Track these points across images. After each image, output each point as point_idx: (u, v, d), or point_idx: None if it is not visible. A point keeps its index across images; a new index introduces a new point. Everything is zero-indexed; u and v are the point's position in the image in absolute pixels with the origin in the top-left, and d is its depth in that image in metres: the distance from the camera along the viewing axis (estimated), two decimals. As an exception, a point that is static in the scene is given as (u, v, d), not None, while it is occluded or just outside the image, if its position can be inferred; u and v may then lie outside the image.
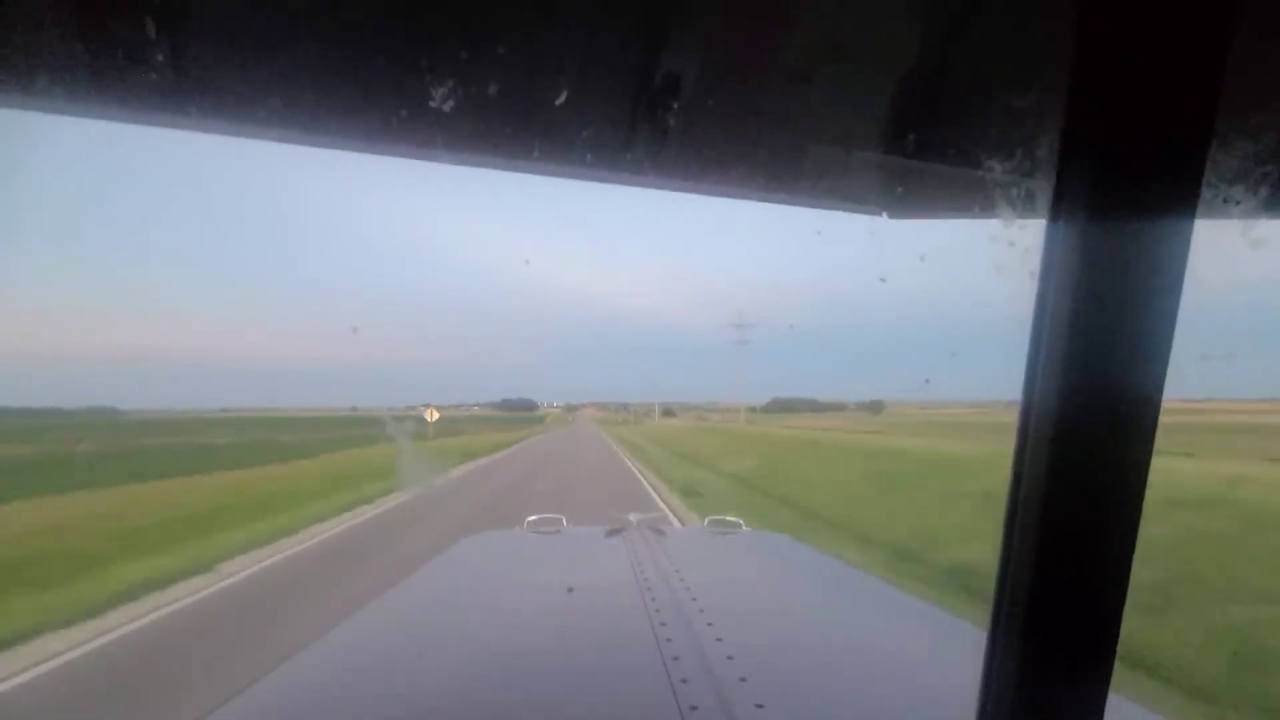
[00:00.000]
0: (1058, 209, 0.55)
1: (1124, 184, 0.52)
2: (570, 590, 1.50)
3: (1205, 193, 0.52)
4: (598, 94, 0.75)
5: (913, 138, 0.79)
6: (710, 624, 1.23)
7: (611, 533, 2.16)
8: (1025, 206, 0.71)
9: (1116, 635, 0.57)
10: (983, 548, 7.00)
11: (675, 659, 1.07)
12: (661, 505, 12.37)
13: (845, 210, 0.94)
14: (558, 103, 0.72)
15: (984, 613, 0.63)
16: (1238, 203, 0.70)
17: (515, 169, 0.82)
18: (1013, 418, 0.58)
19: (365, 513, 12.17)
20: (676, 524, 8.69)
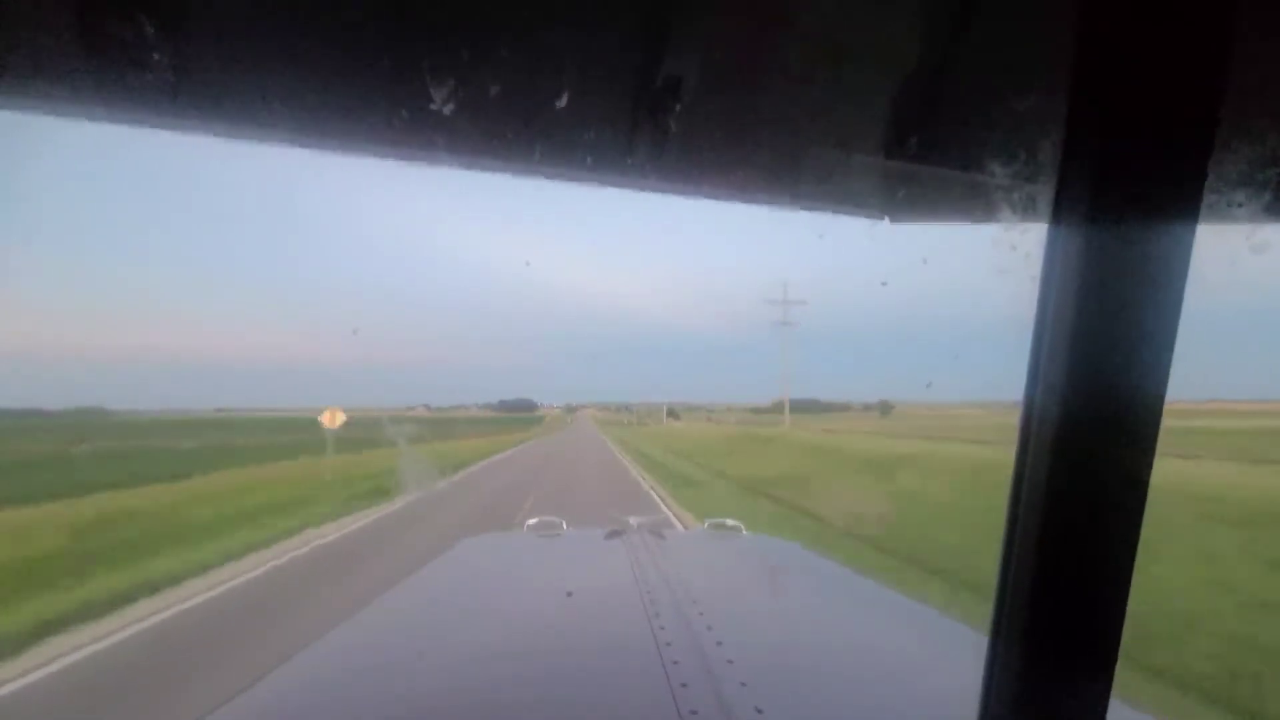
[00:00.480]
0: (1059, 213, 0.55)
1: (1126, 188, 0.52)
2: (570, 593, 1.50)
3: (1207, 197, 0.52)
4: (599, 96, 0.75)
5: (914, 141, 0.79)
6: (710, 627, 1.22)
7: (611, 535, 2.15)
8: (1027, 210, 0.70)
9: (1118, 639, 0.57)
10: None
11: (675, 663, 1.06)
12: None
13: (847, 214, 0.94)
14: (559, 105, 0.72)
15: (986, 617, 0.63)
16: (1240, 206, 0.69)
17: (516, 171, 0.82)
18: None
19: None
20: (679, 527, 8.63)
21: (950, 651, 1.28)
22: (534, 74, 0.70)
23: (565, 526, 2.45)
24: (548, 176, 0.83)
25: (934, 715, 0.97)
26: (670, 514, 12.60)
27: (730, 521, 2.55)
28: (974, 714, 0.61)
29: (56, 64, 0.62)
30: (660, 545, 1.99)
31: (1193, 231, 0.52)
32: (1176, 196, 0.52)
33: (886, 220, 0.94)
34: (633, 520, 2.32)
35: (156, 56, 0.62)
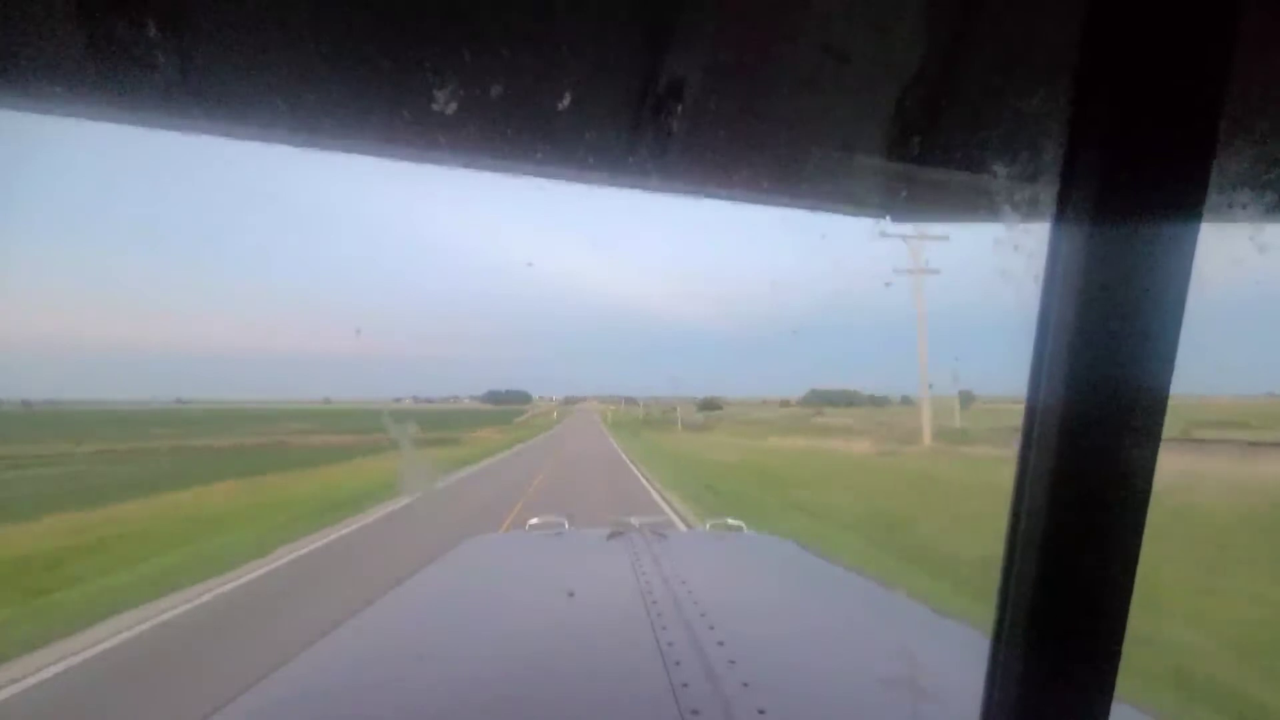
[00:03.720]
0: (1063, 213, 0.55)
1: (1130, 188, 0.52)
2: (571, 593, 1.50)
3: (1212, 197, 0.52)
4: (601, 97, 0.75)
5: (918, 141, 0.79)
6: (712, 627, 1.22)
7: (613, 535, 2.15)
8: (1030, 210, 0.70)
9: (1121, 640, 0.57)
10: None
11: (677, 663, 1.06)
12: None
13: (849, 214, 0.93)
14: (561, 106, 0.72)
15: (988, 617, 0.63)
16: (1244, 206, 0.69)
17: (518, 172, 0.82)
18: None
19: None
20: (681, 526, 8.58)
21: (952, 652, 1.27)
22: (536, 74, 0.70)
23: (567, 526, 2.45)
24: (550, 176, 0.83)
25: (936, 716, 0.97)
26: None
27: (732, 520, 2.55)
28: (975, 715, 0.61)
29: (56, 62, 0.62)
30: (662, 545, 1.99)
31: (1197, 232, 0.52)
32: (1181, 196, 0.52)
33: (888, 219, 0.94)
34: (634, 520, 2.32)
35: (157, 54, 0.62)
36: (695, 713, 0.90)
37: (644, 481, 18.81)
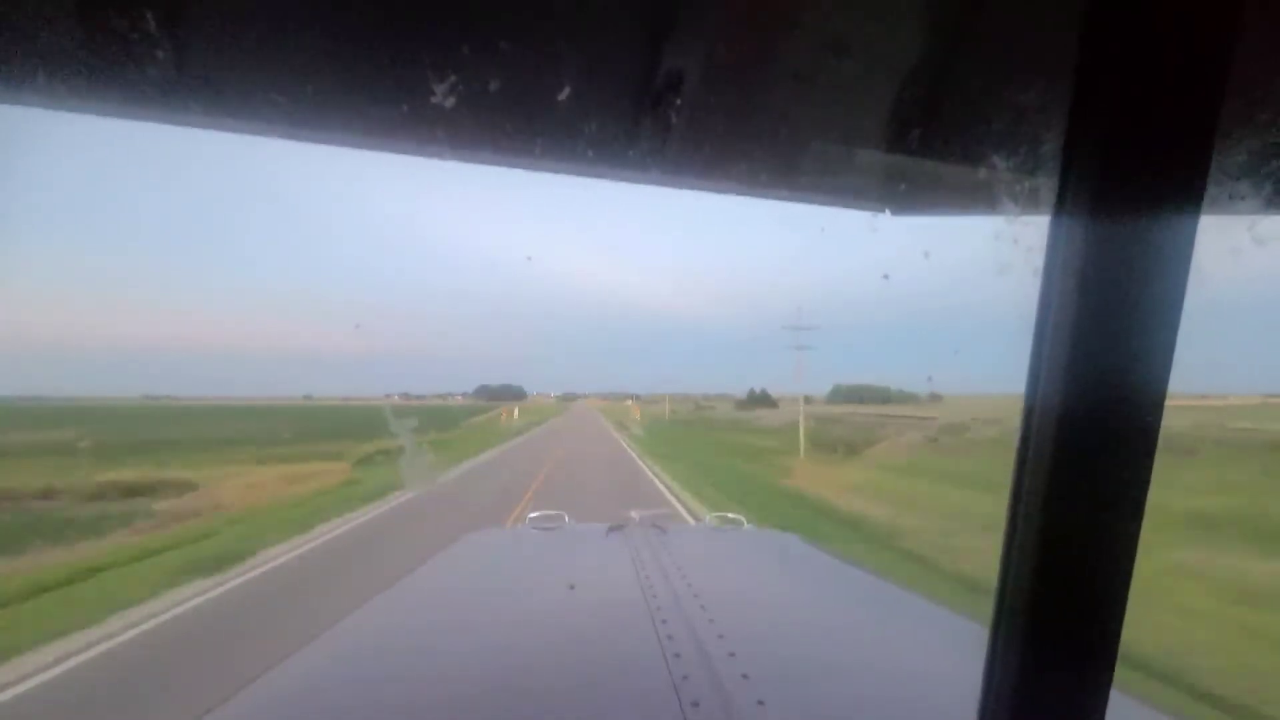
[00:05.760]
0: (1062, 206, 0.55)
1: (1129, 180, 0.52)
2: (572, 587, 1.50)
3: (1210, 189, 0.52)
4: (601, 91, 0.74)
5: (917, 134, 0.79)
6: (712, 620, 1.23)
7: (614, 529, 2.16)
8: (1030, 203, 0.70)
9: (1119, 632, 0.57)
10: None
11: (677, 656, 1.07)
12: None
13: (848, 207, 0.93)
14: (560, 99, 0.72)
15: (987, 611, 0.63)
16: (1243, 199, 0.69)
17: (518, 165, 0.82)
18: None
19: None
20: (688, 519, 8.55)
21: (951, 645, 1.28)
22: (535, 67, 0.70)
23: (568, 520, 2.45)
24: (549, 170, 0.83)
25: (935, 709, 0.98)
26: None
27: (732, 514, 2.56)
28: (974, 707, 0.62)
29: (56, 57, 0.62)
30: (662, 539, 2.00)
31: (1195, 224, 0.52)
32: (1180, 189, 0.52)
33: (888, 213, 0.94)
34: (635, 514, 2.33)
35: (156, 49, 0.61)
36: (695, 705, 0.91)
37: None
